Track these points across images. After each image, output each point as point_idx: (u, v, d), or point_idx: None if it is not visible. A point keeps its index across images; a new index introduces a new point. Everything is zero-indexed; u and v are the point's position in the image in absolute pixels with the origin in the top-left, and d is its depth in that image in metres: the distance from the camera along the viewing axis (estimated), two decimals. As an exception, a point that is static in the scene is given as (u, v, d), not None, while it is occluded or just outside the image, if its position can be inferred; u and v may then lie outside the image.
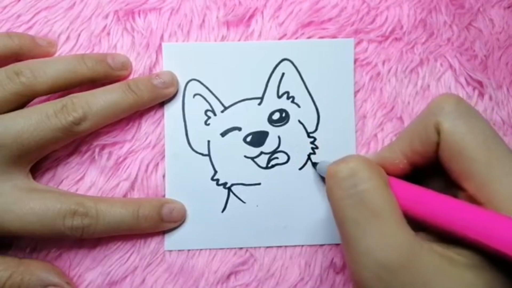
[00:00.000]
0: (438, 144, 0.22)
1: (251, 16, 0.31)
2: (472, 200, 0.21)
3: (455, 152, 0.21)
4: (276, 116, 0.30)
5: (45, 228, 0.26)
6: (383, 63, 0.31)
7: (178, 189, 0.30)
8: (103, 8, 0.30)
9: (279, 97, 0.30)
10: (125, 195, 0.29)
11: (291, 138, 0.30)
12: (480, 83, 0.31)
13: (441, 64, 0.31)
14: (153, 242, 0.29)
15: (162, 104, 0.30)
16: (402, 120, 0.31)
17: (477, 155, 0.21)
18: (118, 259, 0.29)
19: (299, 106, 0.30)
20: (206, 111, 0.30)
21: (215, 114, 0.30)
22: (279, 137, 0.30)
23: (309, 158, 0.30)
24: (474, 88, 0.31)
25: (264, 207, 0.30)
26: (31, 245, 0.29)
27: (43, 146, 0.27)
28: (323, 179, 0.30)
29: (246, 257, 0.30)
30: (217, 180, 0.30)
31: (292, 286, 0.30)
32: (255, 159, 0.30)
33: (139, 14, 0.30)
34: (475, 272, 0.19)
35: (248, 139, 0.30)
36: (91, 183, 0.29)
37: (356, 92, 0.31)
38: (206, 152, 0.30)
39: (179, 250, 0.30)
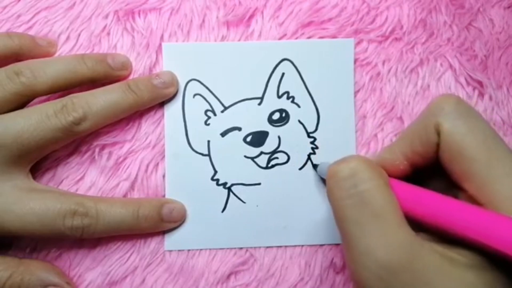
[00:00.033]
0: (438, 145, 0.22)
1: (251, 16, 0.31)
2: (473, 200, 0.21)
3: (455, 152, 0.21)
4: (276, 116, 0.30)
5: (45, 228, 0.26)
6: (383, 63, 0.31)
7: (178, 189, 0.30)
8: (103, 8, 0.30)
9: (279, 97, 0.30)
10: (125, 195, 0.29)
11: (291, 138, 0.30)
12: (480, 83, 0.31)
13: (441, 64, 0.31)
14: (153, 242, 0.29)
15: (162, 104, 0.30)
16: (402, 120, 0.31)
17: (477, 156, 0.21)
18: (118, 259, 0.29)
19: (299, 106, 0.30)
20: (206, 111, 0.30)
21: (215, 114, 0.30)
22: (279, 137, 0.30)
23: (309, 158, 0.30)
24: (474, 88, 0.31)
25: (264, 207, 0.30)
26: (31, 245, 0.29)
27: (43, 146, 0.27)
28: (323, 181, 0.30)
29: (246, 257, 0.30)
30: (217, 180, 0.30)
31: (292, 286, 0.30)
32: (255, 159, 0.30)
33: (139, 14, 0.30)
34: (476, 273, 0.19)
35: (248, 139, 0.30)
36: (91, 183, 0.29)
37: (356, 92, 0.31)
38: (206, 152, 0.30)
39: (179, 250, 0.30)
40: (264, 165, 0.30)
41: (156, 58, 0.30)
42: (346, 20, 0.31)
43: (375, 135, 0.31)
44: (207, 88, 0.30)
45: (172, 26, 0.30)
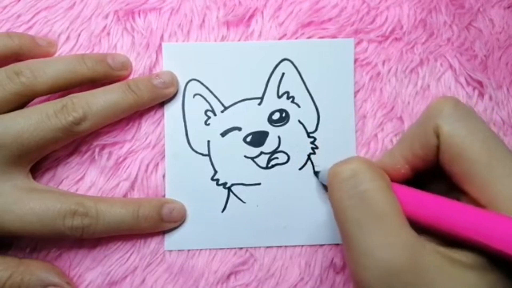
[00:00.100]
0: (438, 148, 0.22)
1: (251, 16, 0.31)
2: (474, 202, 0.21)
3: (455, 154, 0.21)
4: (276, 116, 0.30)
5: (45, 228, 0.26)
6: (383, 63, 0.31)
7: (178, 189, 0.30)
8: (103, 8, 0.30)
9: (279, 97, 0.30)
10: (125, 195, 0.29)
11: (291, 138, 0.30)
12: (480, 83, 0.31)
13: (441, 64, 0.31)
14: (153, 242, 0.29)
15: (162, 104, 0.30)
16: (402, 120, 0.31)
17: (477, 157, 0.21)
18: (118, 259, 0.29)
19: (299, 106, 0.30)
20: (206, 111, 0.30)
21: (215, 114, 0.30)
22: (279, 137, 0.30)
23: (309, 158, 0.30)
24: (474, 88, 0.31)
25: (264, 207, 0.30)
26: (31, 245, 0.29)
27: (43, 146, 0.27)
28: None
29: (246, 257, 0.30)
30: (217, 180, 0.30)
31: (292, 286, 0.30)
32: (255, 159, 0.30)
33: (139, 14, 0.30)
34: (478, 274, 0.19)
35: (248, 139, 0.30)
36: (91, 183, 0.29)
37: (356, 92, 0.31)
38: (206, 152, 0.30)
39: (179, 250, 0.30)
40: (264, 165, 0.30)
41: (156, 58, 0.30)
42: (346, 20, 0.31)
43: (375, 135, 0.31)
44: (207, 88, 0.30)
45: (172, 26, 0.30)
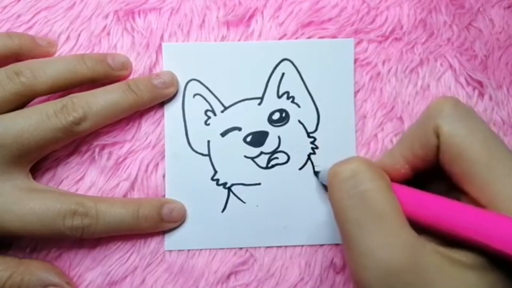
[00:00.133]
0: (438, 148, 0.22)
1: (251, 16, 0.31)
2: (474, 202, 0.21)
3: (455, 154, 0.21)
4: (276, 116, 0.30)
5: (45, 228, 0.26)
6: (383, 63, 0.31)
7: (178, 189, 0.30)
8: (103, 8, 0.30)
9: (279, 97, 0.30)
10: (125, 195, 0.29)
11: (291, 138, 0.30)
12: (480, 83, 0.31)
13: (441, 64, 0.31)
14: (153, 242, 0.29)
15: (162, 104, 0.30)
16: (402, 120, 0.31)
17: (477, 157, 0.21)
18: (118, 259, 0.29)
19: (299, 106, 0.30)
20: (206, 111, 0.30)
21: (215, 114, 0.30)
22: (279, 137, 0.30)
23: (309, 158, 0.30)
24: (474, 88, 0.31)
25: (264, 207, 0.30)
26: (31, 245, 0.29)
27: (43, 146, 0.27)
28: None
29: (246, 257, 0.30)
30: (217, 180, 0.30)
31: (292, 286, 0.30)
32: (255, 159, 0.30)
33: (139, 14, 0.30)
34: (478, 273, 0.19)
35: (248, 139, 0.30)
36: (91, 183, 0.29)
37: (356, 92, 0.31)
38: (206, 152, 0.30)
39: (179, 250, 0.30)
40: (264, 165, 0.30)
41: (156, 58, 0.30)
42: (346, 20, 0.31)
43: (375, 135, 0.31)
44: (207, 88, 0.30)
45: (172, 26, 0.30)
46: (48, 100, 0.29)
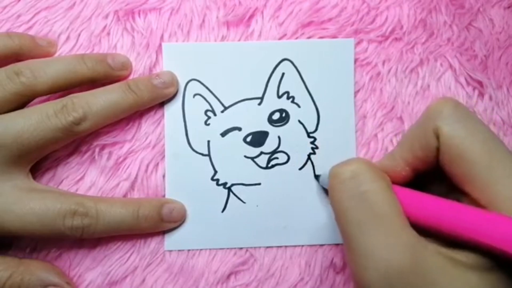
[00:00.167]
0: (438, 149, 0.22)
1: (251, 16, 0.31)
2: (474, 203, 0.21)
3: (455, 155, 0.21)
4: (276, 116, 0.30)
5: (45, 228, 0.26)
6: (383, 63, 0.31)
7: (178, 189, 0.30)
8: (103, 8, 0.30)
9: (279, 97, 0.30)
10: (125, 195, 0.29)
11: (291, 138, 0.30)
12: (480, 83, 0.31)
13: (441, 64, 0.31)
14: (153, 242, 0.29)
15: (162, 104, 0.30)
16: (402, 120, 0.31)
17: (478, 158, 0.21)
18: (118, 259, 0.29)
19: (299, 106, 0.30)
20: (206, 111, 0.30)
21: (215, 114, 0.30)
22: (279, 137, 0.30)
23: (309, 158, 0.30)
24: (474, 88, 0.31)
25: (264, 207, 0.30)
26: (31, 245, 0.29)
27: (43, 146, 0.27)
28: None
29: (246, 257, 0.30)
30: (217, 180, 0.30)
31: (292, 286, 0.30)
32: (255, 159, 0.30)
33: (139, 14, 0.30)
34: (480, 274, 0.19)
35: (248, 139, 0.30)
36: (91, 183, 0.29)
37: (356, 92, 0.31)
38: (206, 152, 0.30)
39: (179, 250, 0.30)
40: (264, 165, 0.30)
41: (156, 58, 0.30)
42: (346, 20, 0.31)
43: (375, 135, 0.31)
44: (207, 88, 0.30)
45: (172, 26, 0.30)
46: (48, 100, 0.29)
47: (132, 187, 0.30)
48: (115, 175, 0.29)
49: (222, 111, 0.30)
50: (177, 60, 0.30)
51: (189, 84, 0.30)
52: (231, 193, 0.30)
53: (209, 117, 0.30)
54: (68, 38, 0.30)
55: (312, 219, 0.30)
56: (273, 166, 0.30)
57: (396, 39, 0.31)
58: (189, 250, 0.30)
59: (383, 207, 0.21)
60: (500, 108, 0.31)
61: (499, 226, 0.19)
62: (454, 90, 0.31)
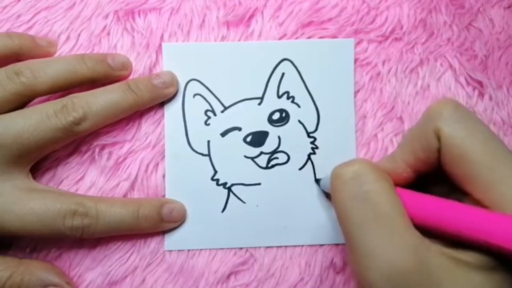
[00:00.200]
0: (439, 150, 0.22)
1: (251, 16, 0.31)
2: (477, 203, 0.21)
3: (457, 156, 0.21)
4: (276, 116, 0.30)
5: (45, 228, 0.26)
6: (383, 63, 0.31)
7: (178, 189, 0.30)
8: (103, 8, 0.30)
9: (279, 97, 0.30)
10: (125, 195, 0.29)
11: (291, 138, 0.30)
12: (480, 83, 0.31)
13: (441, 64, 0.31)
14: (153, 242, 0.29)
15: (162, 104, 0.30)
16: (402, 120, 0.31)
17: (479, 158, 0.21)
18: (118, 259, 0.29)
19: (299, 106, 0.30)
20: (206, 111, 0.30)
21: (215, 114, 0.30)
22: (279, 137, 0.30)
23: (309, 158, 0.30)
24: (474, 88, 0.31)
25: (264, 207, 0.30)
26: (31, 245, 0.29)
27: (43, 146, 0.27)
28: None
29: (246, 257, 0.30)
30: (217, 180, 0.30)
31: (292, 286, 0.30)
32: (255, 159, 0.30)
33: (139, 14, 0.30)
34: (483, 274, 0.19)
35: (248, 139, 0.30)
36: (91, 183, 0.29)
37: (356, 92, 0.31)
38: (206, 152, 0.30)
39: (179, 250, 0.30)
40: (264, 165, 0.30)
41: (156, 58, 0.30)
42: (346, 20, 0.31)
43: (375, 135, 0.31)
44: (207, 88, 0.30)
45: (172, 26, 0.30)
46: (48, 100, 0.29)
47: (132, 187, 0.30)
48: (115, 175, 0.29)
49: (222, 111, 0.30)
50: (177, 60, 0.30)
51: (189, 84, 0.30)
52: (231, 193, 0.30)
53: (209, 117, 0.30)
54: (68, 38, 0.30)
55: (312, 219, 0.30)
56: (273, 166, 0.30)
57: (396, 39, 0.31)
58: (189, 250, 0.30)
59: (386, 208, 0.21)
60: (500, 108, 0.31)
61: (502, 225, 0.19)
62: (454, 90, 0.31)
